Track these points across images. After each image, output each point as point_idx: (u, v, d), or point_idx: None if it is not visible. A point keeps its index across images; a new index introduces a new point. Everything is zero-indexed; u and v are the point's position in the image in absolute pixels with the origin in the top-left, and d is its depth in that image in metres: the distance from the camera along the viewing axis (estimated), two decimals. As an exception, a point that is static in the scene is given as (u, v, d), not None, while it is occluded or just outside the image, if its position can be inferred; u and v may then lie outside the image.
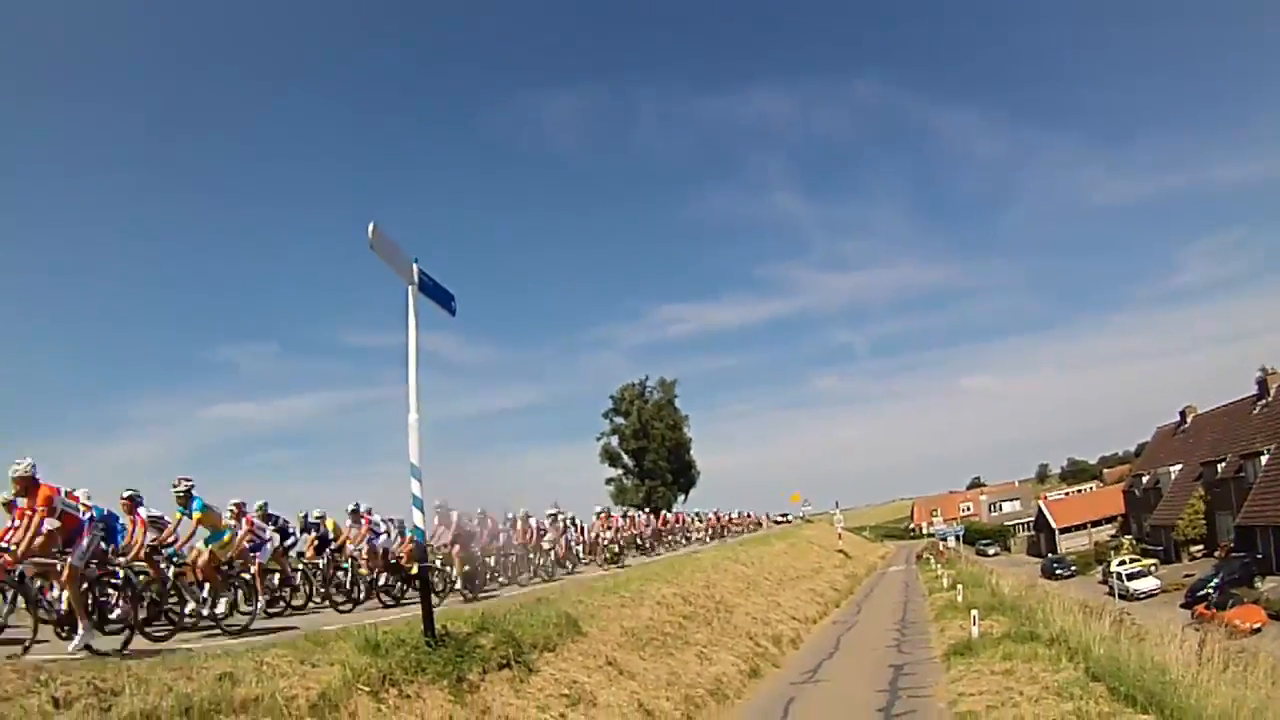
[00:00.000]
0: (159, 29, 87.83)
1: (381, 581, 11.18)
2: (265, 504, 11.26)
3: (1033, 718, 7.03)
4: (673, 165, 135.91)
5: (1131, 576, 33.33)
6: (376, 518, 11.94)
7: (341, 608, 10.54)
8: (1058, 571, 42.72)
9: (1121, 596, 28.90)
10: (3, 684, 4.31)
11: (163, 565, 8.48)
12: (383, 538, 11.68)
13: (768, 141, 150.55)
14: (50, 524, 6.76)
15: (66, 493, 7.42)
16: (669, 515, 31.44)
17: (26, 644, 6.25)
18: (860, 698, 9.52)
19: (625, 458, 48.71)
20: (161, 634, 8.04)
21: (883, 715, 8.56)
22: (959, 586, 20.32)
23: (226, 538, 9.01)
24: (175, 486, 8.43)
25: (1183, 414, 46.81)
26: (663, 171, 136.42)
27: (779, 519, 52.77)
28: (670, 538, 27.52)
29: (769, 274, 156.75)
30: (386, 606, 10.68)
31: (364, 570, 11.26)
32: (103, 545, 7.70)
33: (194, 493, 8.47)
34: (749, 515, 42.73)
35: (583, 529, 19.90)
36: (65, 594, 6.95)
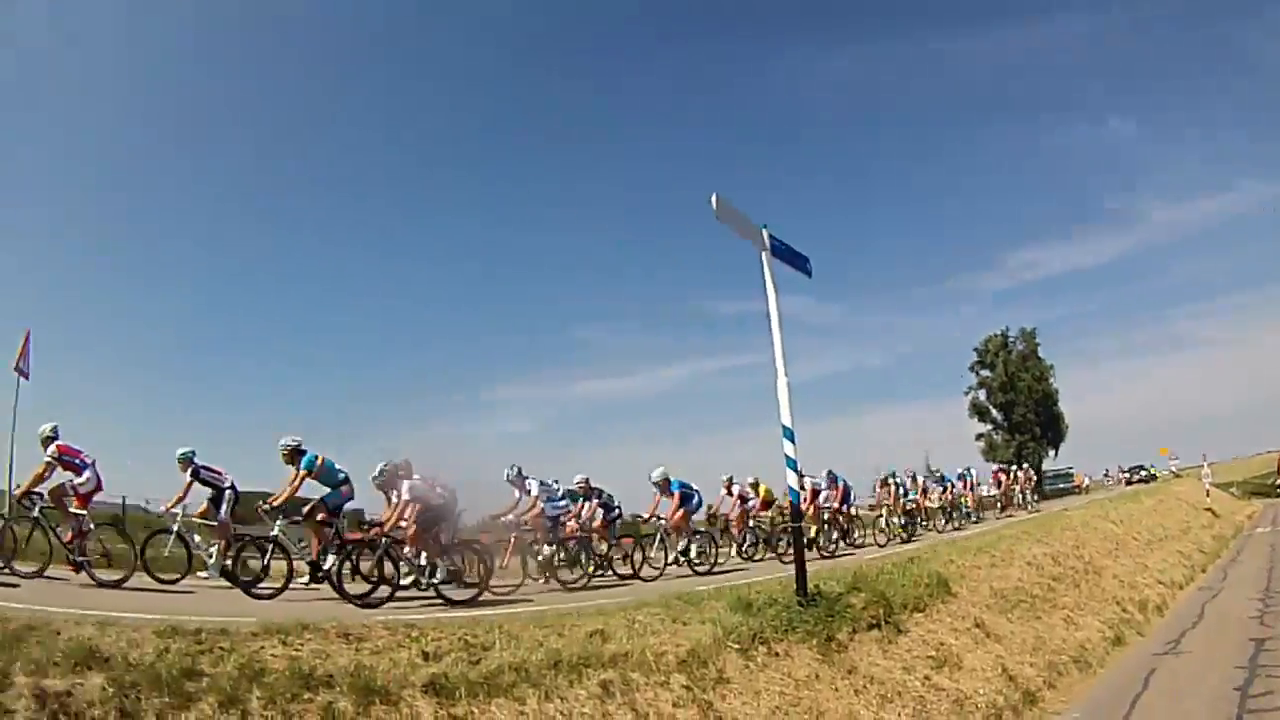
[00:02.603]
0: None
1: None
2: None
3: None
4: (1005, 99, 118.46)
5: None
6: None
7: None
8: None
9: None
10: (374, 639, 4.87)
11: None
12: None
13: (1097, 65, 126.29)
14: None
15: None
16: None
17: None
18: (1217, 672, 8.14)
19: (994, 412, 45.86)
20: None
21: (1239, 694, 7.22)
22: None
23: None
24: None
25: None
26: (994, 106, 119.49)
27: (1130, 475, 44.84)
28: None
29: (1117, 206, 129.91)
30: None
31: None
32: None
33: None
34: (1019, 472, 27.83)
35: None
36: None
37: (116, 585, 8.54)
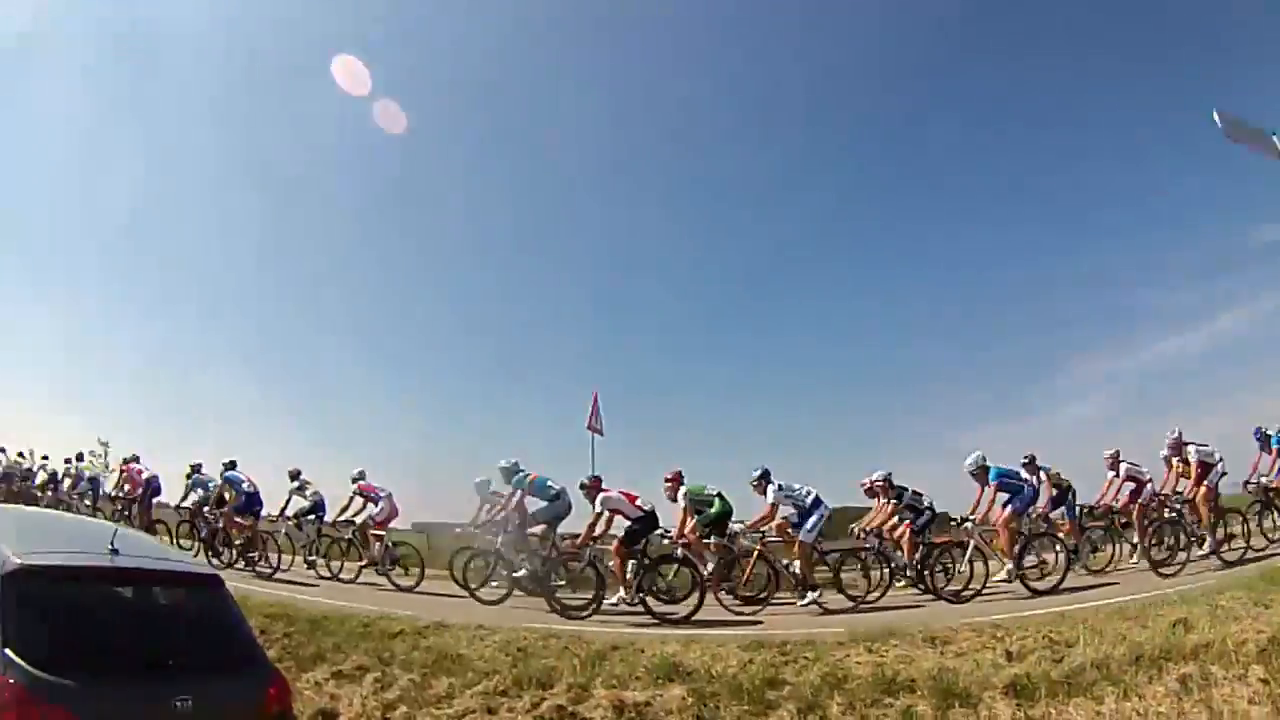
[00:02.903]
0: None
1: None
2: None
3: None
4: None
5: None
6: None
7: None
8: None
9: None
10: (959, 642, 4.98)
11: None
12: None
13: None
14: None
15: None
16: None
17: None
18: None
19: None
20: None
21: None
22: None
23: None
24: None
25: None
26: None
27: None
28: None
29: None
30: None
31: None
32: None
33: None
34: None
35: None
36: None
37: (410, 590, 10.50)
